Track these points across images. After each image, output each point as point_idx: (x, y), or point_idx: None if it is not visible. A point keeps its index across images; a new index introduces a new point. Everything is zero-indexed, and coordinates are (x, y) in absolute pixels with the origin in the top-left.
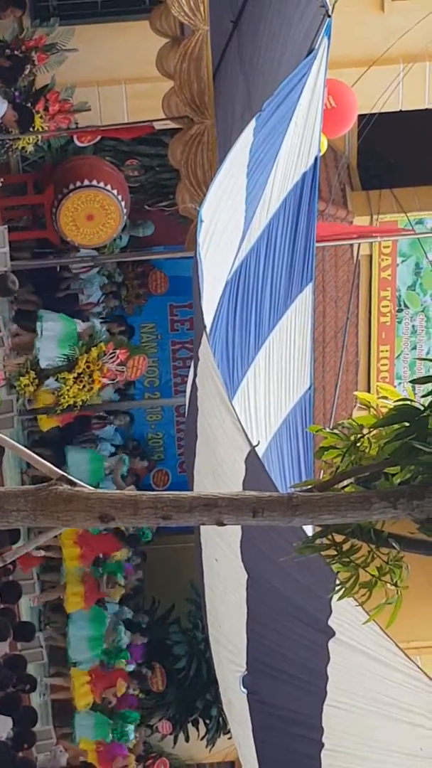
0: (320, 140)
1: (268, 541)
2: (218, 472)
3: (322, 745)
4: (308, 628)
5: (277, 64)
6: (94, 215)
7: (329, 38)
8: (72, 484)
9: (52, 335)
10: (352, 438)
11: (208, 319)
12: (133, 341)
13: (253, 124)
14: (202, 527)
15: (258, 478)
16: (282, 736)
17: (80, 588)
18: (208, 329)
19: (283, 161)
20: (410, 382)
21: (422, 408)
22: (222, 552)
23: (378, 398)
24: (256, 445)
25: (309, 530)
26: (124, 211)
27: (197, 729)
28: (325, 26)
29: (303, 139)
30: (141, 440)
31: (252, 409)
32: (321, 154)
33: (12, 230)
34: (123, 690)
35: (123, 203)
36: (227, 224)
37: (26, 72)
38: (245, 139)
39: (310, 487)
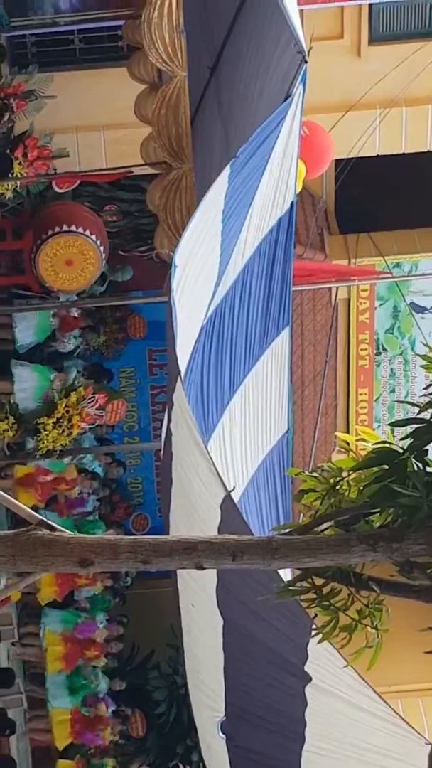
0: (297, 178)
1: (244, 586)
2: (193, 517)
3: None
4: (284, 674)
5: (254, 110)
6: (73, 260)
7: (305, 84)
8: (51, 529)
9: (27, 386)
10: (332, 481)
11: (182, 364)
12: (112, 385)
13: (227, 170)
14: (179, 572)
15: (233, 523)
16: None
17: (61, 648)
18: (182, 374)
19: (258, 207)
20: (389, 425)
21: (401, 451)
22: (198, 597)
23: (357, 441)
24: (232, 490)
25: (284, 575)
26: (103, 256)
27: None
28: (301, 72)
29: (278, 185)
30: (120, 484)
31: (228, 454)
32: (297, 191)
33: None
34: (107, 737)
35: (102, 248)
36: (201, 270)
37: (5, 118)
38: (220, 186)
39: (289, 530)
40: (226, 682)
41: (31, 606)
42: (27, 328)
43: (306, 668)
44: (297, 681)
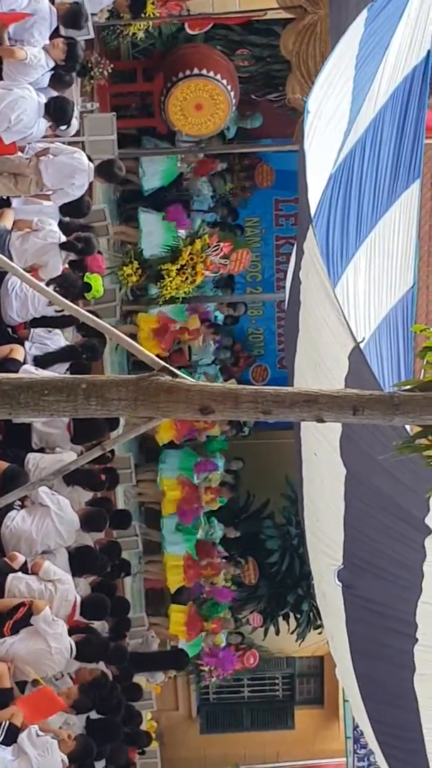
0: None
1: (368, 437)
2: (320, 366)
3: (416, 640)
4: (405, 525)
5: None
6: (202, 105)
7: None
8: (173, 375)
9: (154, 238)
10: None
11: (313, 213)
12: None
13: (364, 14)
14: (302, 422)
15: (361, 375)
16: (376, 629)
17: (177, 493)
18: (314, 223)
19: (393, 54)
20: None
21: None
22: (321, 447)
23: None
24: (361, 341)
25: (409, 429)
26: (233, 101)
27: (287, 623)
28: None
29: (415, 32)
30: (241, 335)
31: (351, 307)
32: None
33: (120, 118)
34: (220, 582)
35: (232, 93)
36: (332, 117)
37: None
38: (355, 30)
39: (411, 386)
40: (345, 531)
41: (149, 449)
42: (153, 173)
43: (427, 521)
44: (417, 533)
